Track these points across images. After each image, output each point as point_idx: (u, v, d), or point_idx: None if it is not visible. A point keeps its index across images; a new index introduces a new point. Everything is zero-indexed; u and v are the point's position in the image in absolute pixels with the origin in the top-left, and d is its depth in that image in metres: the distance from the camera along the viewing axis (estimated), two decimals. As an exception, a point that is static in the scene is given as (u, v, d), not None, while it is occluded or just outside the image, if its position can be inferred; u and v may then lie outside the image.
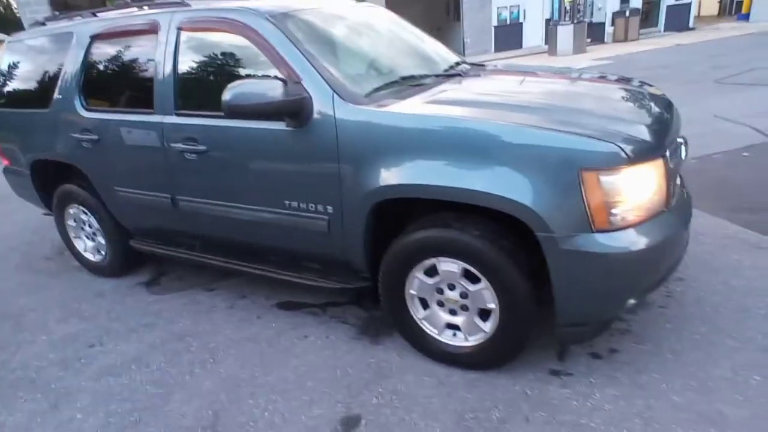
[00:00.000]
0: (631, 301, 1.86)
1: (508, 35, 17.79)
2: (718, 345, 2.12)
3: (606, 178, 1.67)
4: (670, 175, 1.83)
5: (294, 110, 2.06)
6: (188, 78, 2.46)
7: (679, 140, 2.13)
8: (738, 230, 3.09)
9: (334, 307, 2.71)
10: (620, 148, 1.67)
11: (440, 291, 2.07)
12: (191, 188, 2.56)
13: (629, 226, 1.73)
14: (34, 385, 2.37)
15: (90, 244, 3.38)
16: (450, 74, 2.53)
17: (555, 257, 1.74)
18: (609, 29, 17.34)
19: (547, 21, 16.54)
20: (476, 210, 1.86)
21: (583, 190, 1.67)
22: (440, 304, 2.10)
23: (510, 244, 1.88)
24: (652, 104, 2.18)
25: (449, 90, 2.23)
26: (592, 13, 17.10)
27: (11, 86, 3.31)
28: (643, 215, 1.76)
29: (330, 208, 2.14)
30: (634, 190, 1.73)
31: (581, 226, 1.70)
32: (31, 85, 3.17)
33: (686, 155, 2.20)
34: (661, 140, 1.83)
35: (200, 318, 2.77)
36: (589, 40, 16.66)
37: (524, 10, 17.60)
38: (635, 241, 1.72)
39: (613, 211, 1.70)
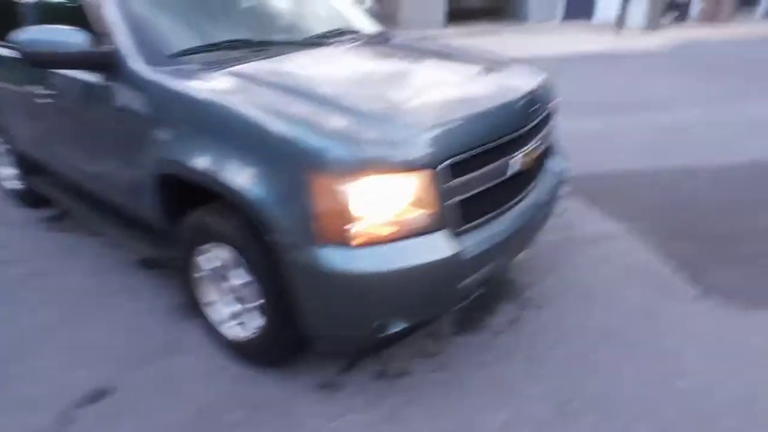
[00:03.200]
0: (391, 324, 1.64)
1: (580, 3, 16.25)
2: (510, 399, 1.86)
3: (340, 186, 1.43)
4: (441, 188, 1.54)
5: (101, 63, 1.94)
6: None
7: (530, 146, 1.82)
8: (657, 264, 2.67)
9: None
10: (360, 152, 1.42)
11: (225, 278, 1.94)
12: (44, 130, 2.54)
13: (371, 243, 1.50)
14: None
15: (8, 172, 3.50)
16: (310, 43, 2.27)
17: (285, 265, 1.55)
18: (698, 6, 15.37)
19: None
20: None
21: (311, 197, 1.45)
22: (226, 291, 1.97)
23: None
24: (485, 104, 1.78)
25: (267, 64, 1.98)
26: (679, -14, 15.20)
27: None
28: (395, 233, 1.51)
29: (136, 171, 2.02)
30: (380, 203, 1.48)
31: (308, 238, 1.48)
32: None
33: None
34: (437, 149, 1.52)
35: (59, 260, 2.81)
36: (674, 14, 14.94)
37: (603, -24, 15.93)
38: (371, 262, 1.49)
39: (348, 225, 1.46)
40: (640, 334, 2.14)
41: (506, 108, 1.78)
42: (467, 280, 1.69)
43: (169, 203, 1.96)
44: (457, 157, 1.56)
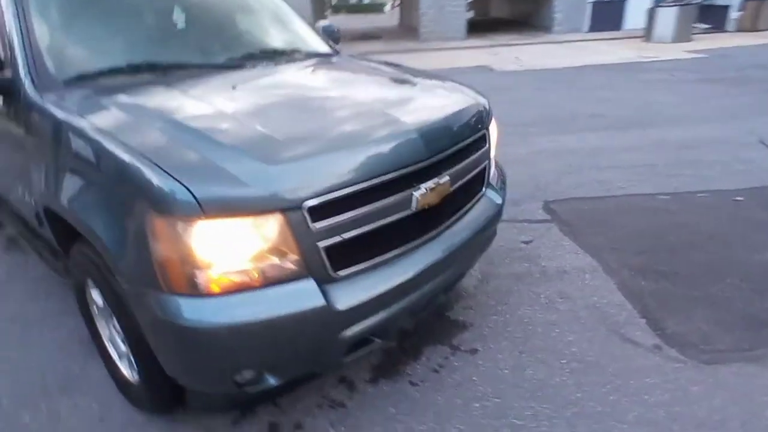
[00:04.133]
0: (260, 378, 1.48)
1: (607, 13, 15.70)
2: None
3: (181, 230, 1.28)
4: (303, 231, 1.36)
5: (3, 89, 1.89)
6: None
7: (436, 181, 1.63)
8: (618, 306, 2.40)
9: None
10: (203, 191, 1.27)
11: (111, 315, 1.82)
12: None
13: (225, 292, 1.34)
14: None
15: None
16: (226, 66, 2.15)
17: (132, 309, 1.42)
18: (735, 14, 14.59)
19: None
20: None
21: (153, 241, 1.31)
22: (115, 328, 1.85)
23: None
24: (371, 136, 1.61)
25: (161, 91, 1.84)
26: (714, -6, 14.49)
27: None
28: (251, 281, 1.35)
29: (30, 199, 1.95)
30: (230, 248, 1.33)
31: (152, 285, 1.34)
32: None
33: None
34: (297, 187, 1.35)
35: (4, 282, 2.78)
36: (706, 26, 14.26)
37: (631, -15, 15.38)
38: (221, 313, 1.33)
39: (194, 271, 1.31)
40: (580, 391, 1.89)
41: (400, 139, 1.59)
42: (351, 330, 1.51)
43: (58, 233, 1.87)
44: (326, 196, 1.39)
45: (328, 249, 1.43)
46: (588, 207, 3.45)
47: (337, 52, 2.82)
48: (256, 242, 1.34)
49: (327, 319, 1.43)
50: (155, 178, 1.30)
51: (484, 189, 2.07)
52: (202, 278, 1.32)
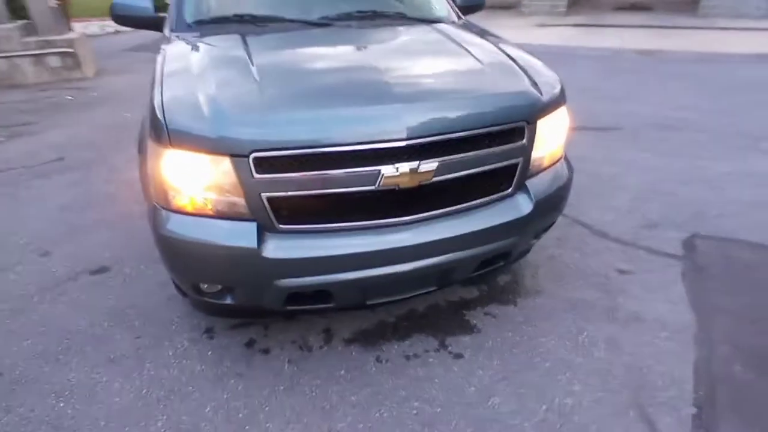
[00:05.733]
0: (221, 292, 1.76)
1: None
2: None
3: (159, 155, 1.57)
4: (249, 180, 1.50)
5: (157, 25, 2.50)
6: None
7: (419, 163, 1.56)
8: (674, 378, 1.87)
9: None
10: (174, 124, 1.53)
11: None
12: None
13: (187, 213, 1.62)
14: None
15: None
16: (320, 23, 2.30)
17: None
18: None
19: None
20: None
21: (150, 160, 1.66)
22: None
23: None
24: (351, 101, 1.61)
25: (249, 37, 2.12)
26: None
27: None
28: (207, 210, 1.59)
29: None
30: (189, 177, 1.56)
31: (154, 196, 1.69)
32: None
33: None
34: (248, 138, 1.47)
35: None
36: None
37: None
38: (179, 227, 1.61)
39: (168, 190, 1.60)
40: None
41: (378, 112, 1.55)
42: (286, 282, 1.63)
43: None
44: (273, 152, 1.49)
45: (272, 201, 1.55)
46: (747, 256, 2.60)
47: (460, 18, 2.71)
48: (210, 178, 1.54)
49: (256, 261, 1.57)
50: (157, 108, 1.61)
51: (510, 190, 1.83)
52: (172, 197, 1.61)
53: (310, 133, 1.51)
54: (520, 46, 2.25)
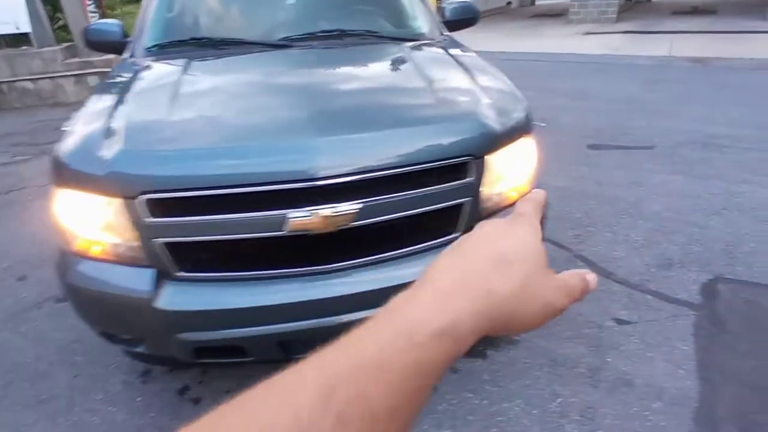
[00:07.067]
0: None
1: None
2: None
3: (57, 193, 1.46)
4: (141, 222, 1.35)
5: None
6: None
7: (331, 207, 1.36)
8: None
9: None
10: (70, 163, 1.42)
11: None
12: None
13: (87, 256, 1.49)
14: None
15: None
16: (279, 45, 2.16)
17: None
18: None
19: None
20: None
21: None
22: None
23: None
24: (256, 137, 1.45)
25: (199, 62, 2.03)
26: None
27: None
28: (103, 254, 1.45)
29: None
30: (81, 218, 1.45)
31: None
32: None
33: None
34: (136, 178, 1.33)
35: None
36: None
37: None
38: (78, 272, 1.48)
39: (63, 230, 1.49)
40: None
41: (286, 148, 1.36)
42: (190, 336, 1.46)
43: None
44: (166, 194, 1.34)
45: (170, 246, 1.39)
46: (757, 298, 2.17)
47: (443, 35, 2.48)
48: (101, 221, 1.42)
49: (149, 312, 1.41)
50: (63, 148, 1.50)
51: (458, 234, 1.57)
52: (69, 239, 1.49)
53: (203, 171, 1.35)
54: (496, 69, 2.00)
